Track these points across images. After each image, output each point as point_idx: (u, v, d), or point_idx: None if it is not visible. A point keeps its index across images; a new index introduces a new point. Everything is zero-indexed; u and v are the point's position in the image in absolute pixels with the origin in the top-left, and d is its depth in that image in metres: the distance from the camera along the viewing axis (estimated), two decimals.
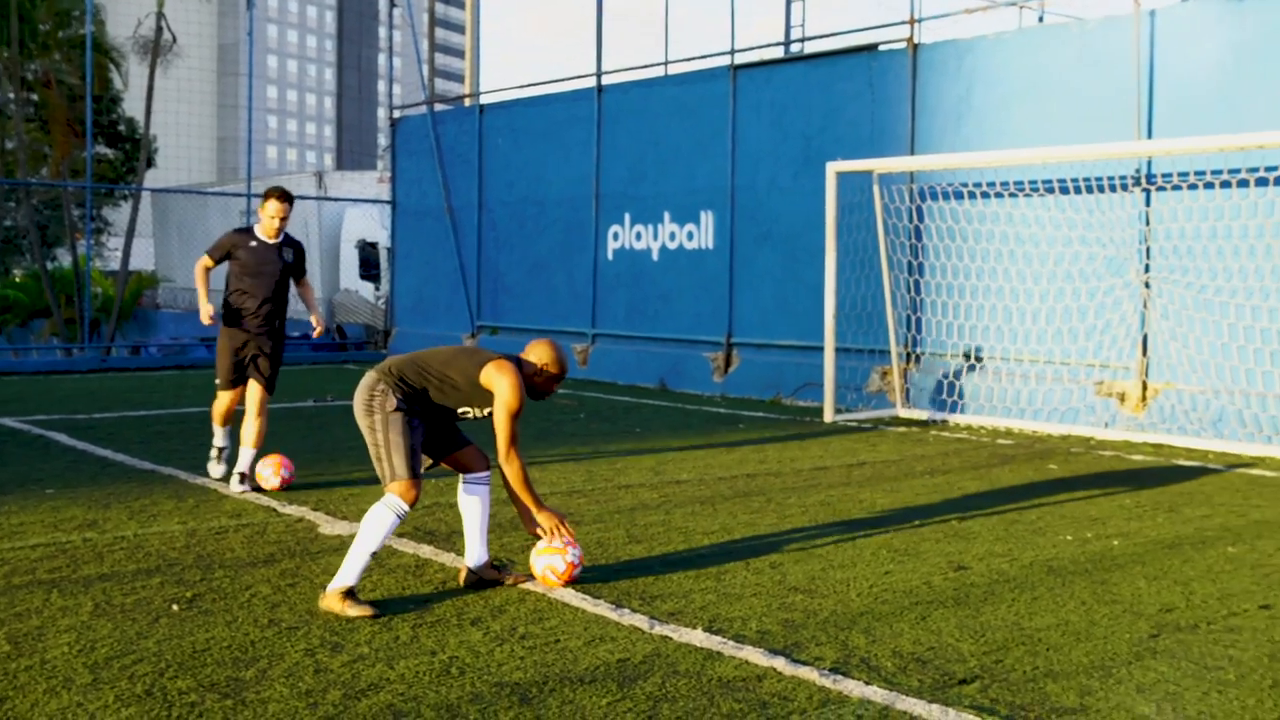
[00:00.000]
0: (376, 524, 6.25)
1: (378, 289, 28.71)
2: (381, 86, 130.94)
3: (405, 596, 6.53)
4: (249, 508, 8.88)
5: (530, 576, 6.73)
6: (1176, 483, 10.72)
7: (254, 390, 9.83)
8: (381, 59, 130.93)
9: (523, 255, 21.97)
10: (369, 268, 29.38)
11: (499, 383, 6.50)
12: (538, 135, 21.72)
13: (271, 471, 9.56)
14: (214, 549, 7.57)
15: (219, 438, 10.03)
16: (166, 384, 18.94)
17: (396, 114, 25.55)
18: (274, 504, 8.98)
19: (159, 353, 26.63)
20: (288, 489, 9.52)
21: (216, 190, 38.52)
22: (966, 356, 15.12)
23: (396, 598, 6.50)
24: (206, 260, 9.87)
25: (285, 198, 9.81)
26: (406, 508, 6.31)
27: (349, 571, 6.19)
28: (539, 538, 6.68)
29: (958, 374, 15.21)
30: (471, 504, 6.85)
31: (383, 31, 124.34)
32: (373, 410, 6.46)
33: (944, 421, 14.74)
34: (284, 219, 9.83)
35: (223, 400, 9.94)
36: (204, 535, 7.96)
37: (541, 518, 6.65)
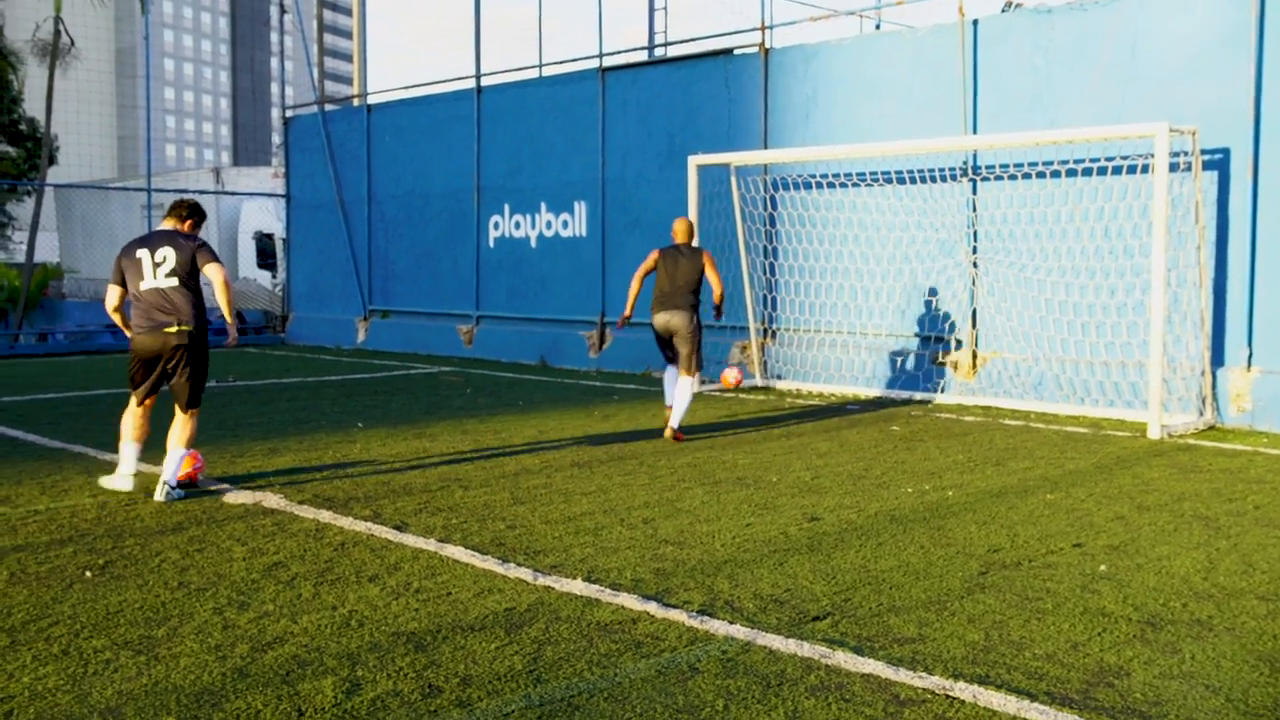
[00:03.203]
0: (692, 390, 10.78)
1: (274, 277, 28.21)
2: (275, 88, 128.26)
3: (306, 558, 6.48)
4: (157, 480, 8.69)
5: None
6: (1003, 440, 11.03)
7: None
8: (274, 62, 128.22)
9: (410, 244, 21.75)
10: (266, 257, 28.85)
11: (711, 260, 11.03)
12: (422, 133, 21.50)
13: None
14: (124, 519, 7.41)
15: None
16: (74, 369, 18.41)
17: (289, 114, 25.09)
18: None
19: (65, 339, 25.78)
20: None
21: (118, 185, 37.42)
22: (819, 331, 15.35)
23: (298, 559, 6.45)
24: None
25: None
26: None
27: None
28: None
29: (811, 346, 15.44)
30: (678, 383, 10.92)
31: (274, 36, 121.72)
32: (694, 323, 10.82)
33: (798, 390, 14.95)
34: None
35: None
36: (114, 507, 7.79)
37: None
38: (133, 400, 8.21)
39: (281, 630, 5.19)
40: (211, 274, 8.06)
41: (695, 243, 11.23)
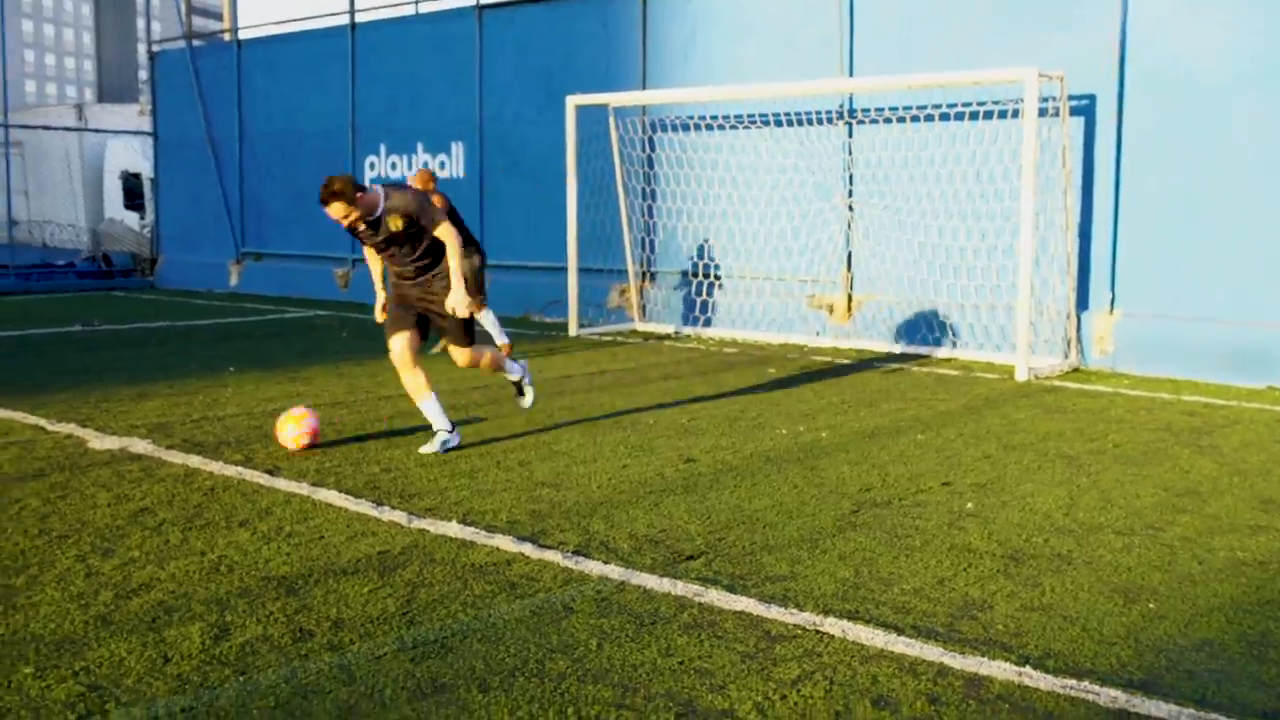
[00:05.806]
0: None
1: (143, 218, 27.43)
2: (140, 22, 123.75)
3: (174, 503, 6.34)
4: (17, 426, 8.43)
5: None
6: (876, 381, 11.22)
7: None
8: None
9: (284, 185, 21.27)
10: (133, 198, 28.03)
11: None
12: (295, 70, 20.98)
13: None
14: None
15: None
16: None
17: (155, 49, 24.26)
18: (43, 422, 8.55)
19: None
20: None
21: None
22: (696, 274, 15.41)
23: (166, 504, 6.30)
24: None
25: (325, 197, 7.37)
26: None
27: None
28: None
29: (689, 290, 15.50)
30: None
31: None
32: None
33: (676, 333, 15.02)
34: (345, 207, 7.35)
35: None
36: None
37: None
38: None
39: (147, 577, 5.08)
40: None
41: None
